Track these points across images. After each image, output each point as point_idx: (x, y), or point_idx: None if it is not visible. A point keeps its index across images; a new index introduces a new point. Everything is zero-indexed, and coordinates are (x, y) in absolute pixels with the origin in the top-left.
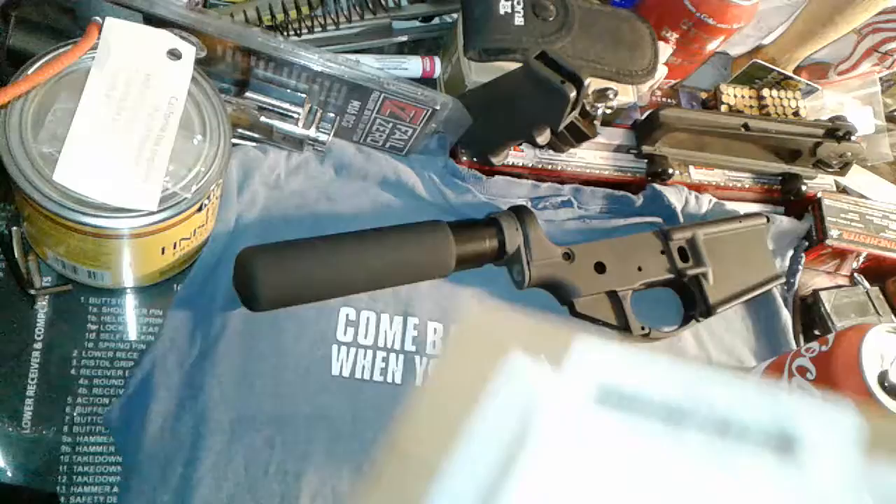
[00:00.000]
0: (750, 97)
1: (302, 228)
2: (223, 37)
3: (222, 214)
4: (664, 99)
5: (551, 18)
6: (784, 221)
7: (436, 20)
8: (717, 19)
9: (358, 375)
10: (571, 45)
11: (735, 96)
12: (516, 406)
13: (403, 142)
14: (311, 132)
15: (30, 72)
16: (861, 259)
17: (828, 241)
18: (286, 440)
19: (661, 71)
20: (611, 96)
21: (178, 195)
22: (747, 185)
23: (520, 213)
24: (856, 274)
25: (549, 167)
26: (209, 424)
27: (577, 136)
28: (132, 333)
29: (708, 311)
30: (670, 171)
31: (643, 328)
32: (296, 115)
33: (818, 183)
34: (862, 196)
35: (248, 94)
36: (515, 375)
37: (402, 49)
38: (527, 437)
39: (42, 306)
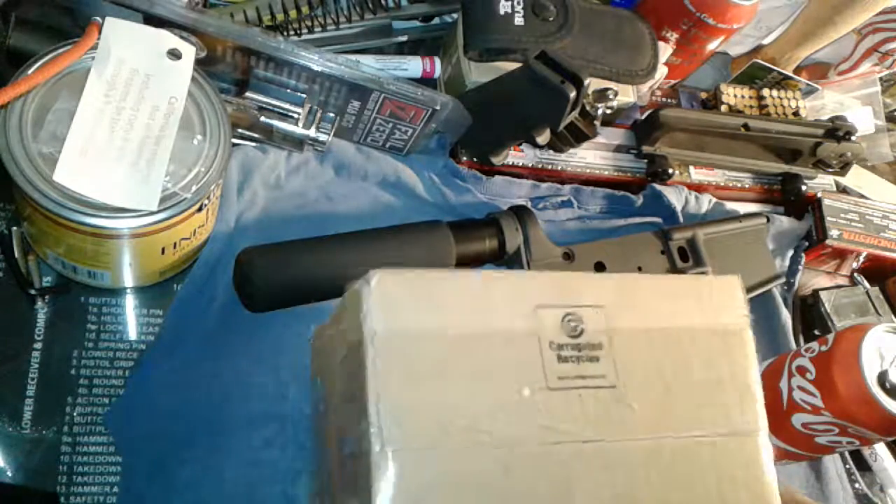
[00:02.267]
0: (750, 97)
1: (302, 228)
2: (223, 37)
3: (222, 214)
4: (664, 99)
5: (551, 18)
6: (784, 221)
7: (436, 20)
8: (717, 19)
9: None
10: (571, 45)
11: (735, 96)
12: None
13: (403, 142)
14: (311, 132)
15: (30, 72)
16: (861, 259)
17: (828, 241)
18: (285, 440)
19: (661, 71)
20: (611, 96)
21: (178, 195)
22: (747, 185)
23: (520, 213)
24: (856, 274)
25: (549, 167)
26: (209, 424)
27: (577, 136)
28: (132, 333)
29: None
30: (670, 171)
31: None
32: (296, 115)
33: (818, 183)
34: (862, 196)
35: (248, 94)
36: None
37: (402, 49)
38: None
39: (42, 306)
